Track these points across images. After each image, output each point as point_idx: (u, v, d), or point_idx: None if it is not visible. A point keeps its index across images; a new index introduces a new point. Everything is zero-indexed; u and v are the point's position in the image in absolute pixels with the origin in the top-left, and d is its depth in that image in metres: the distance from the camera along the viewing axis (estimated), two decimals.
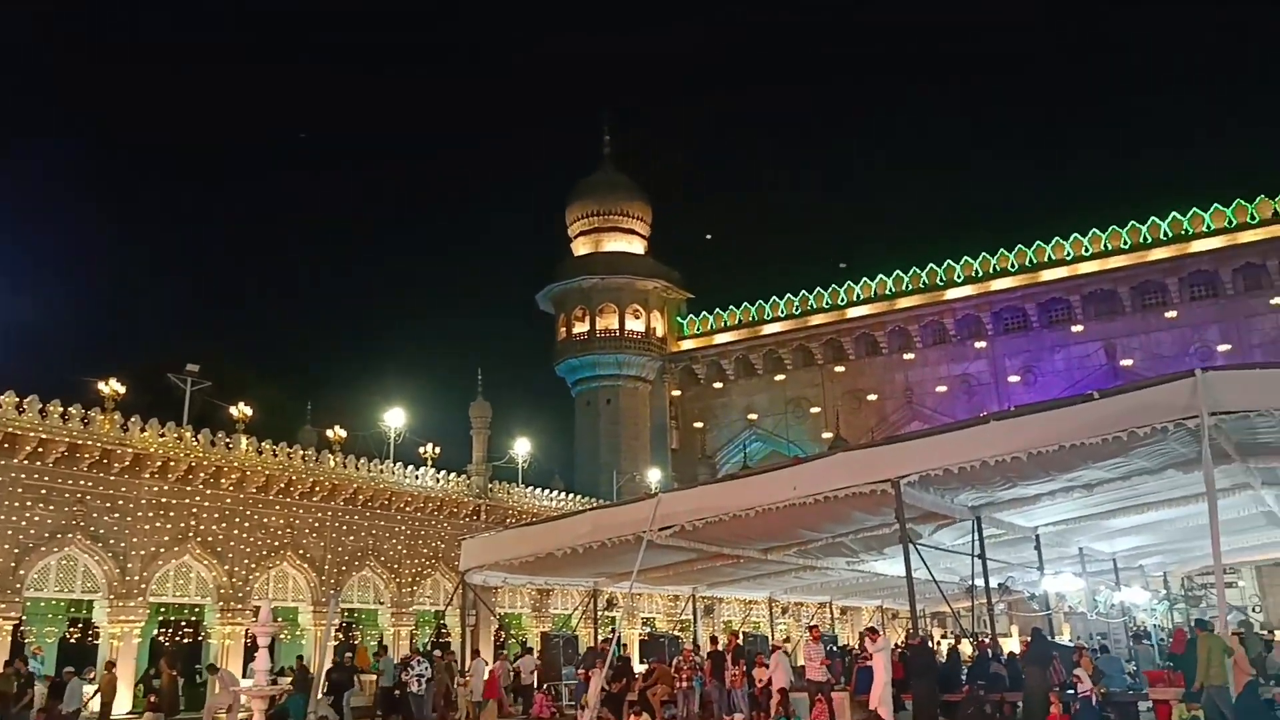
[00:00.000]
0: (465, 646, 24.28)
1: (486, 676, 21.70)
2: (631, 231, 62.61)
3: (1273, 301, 46.56)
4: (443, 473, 33.56)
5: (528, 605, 34.33)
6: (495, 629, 31.93)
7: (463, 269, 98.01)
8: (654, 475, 50.29)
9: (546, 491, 38.16)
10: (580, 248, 62.93)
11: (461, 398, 38.14)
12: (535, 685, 22.61)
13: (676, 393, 60.93)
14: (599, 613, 28.13)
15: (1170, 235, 49.38)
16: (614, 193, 62.53)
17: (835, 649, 24.54)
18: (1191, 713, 11.86)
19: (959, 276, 54.19)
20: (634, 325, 59.89)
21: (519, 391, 70.46)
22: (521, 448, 37.97)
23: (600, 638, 25.83)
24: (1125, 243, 50.34)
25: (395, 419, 33.71)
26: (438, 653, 23.31)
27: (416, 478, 32.29)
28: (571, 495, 40.21)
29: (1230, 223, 48.19)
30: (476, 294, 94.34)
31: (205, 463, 26.21)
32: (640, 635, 34.83)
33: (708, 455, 58.12)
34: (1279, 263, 46.66)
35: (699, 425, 59.80)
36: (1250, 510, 21.75)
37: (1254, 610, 41.45)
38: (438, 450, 34.04)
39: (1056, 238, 52.09)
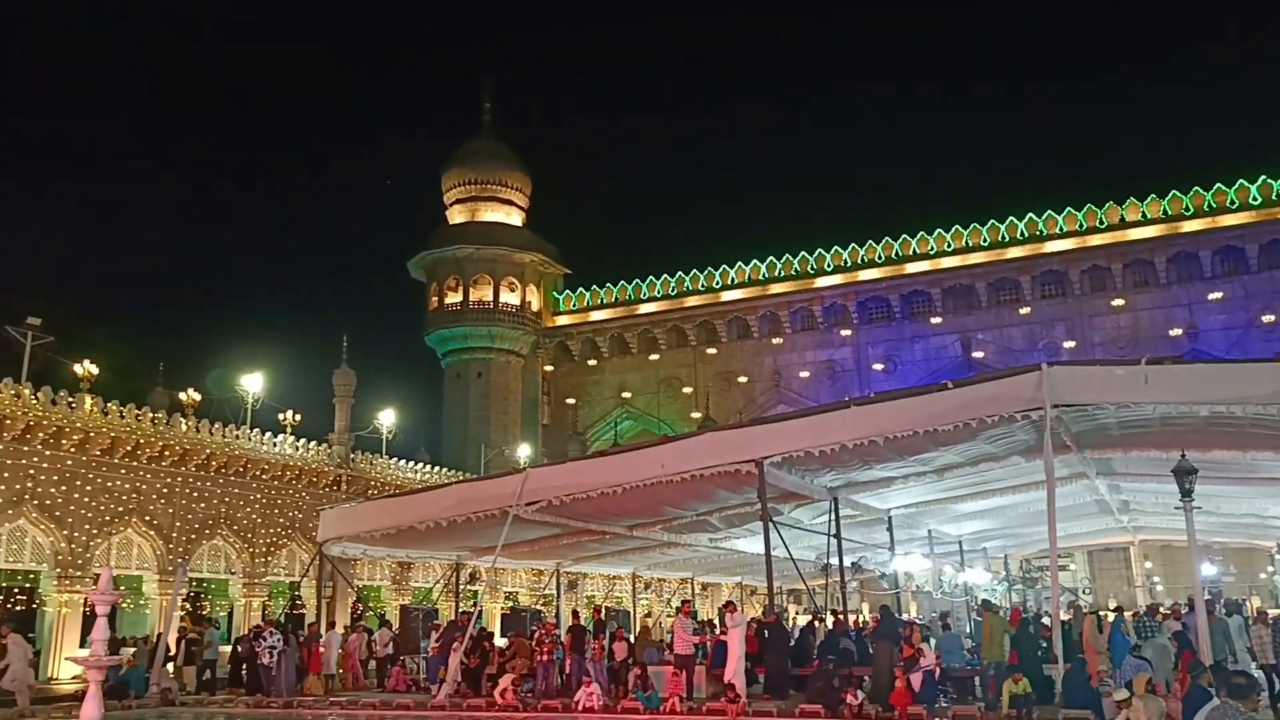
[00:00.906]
0: (321, 618, 23.71)
1: (340, 649, 21.23)
2: (510, 203, 61.82)
3: (1114, 302, 49.52)
4: (303, 441, 32.56)
5: (387, 577, 33.74)
6: (353, 601, 31.28)
7: (334, 233, 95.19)
8: (524, 450, 50.07)
9: (411, 464, 37.51)
10: (456, 216, 61.79)
11: (327, 365, 37.09)
12: (392, 658, 22.25)
13: (549, 368, 60.72)
14: (461, 586, 27.87)
15: (1026, 235, 51.87)
16: (493, 162, 61.56)
17: (698, 624, 25.00)
18: (1019, 685, 12.56)
19: (829, 266, 55.65)
20: (509, 298, 59.27)
21: (387, 360, 69.03)
22: (387, 418, 37.17)
23: (461, 611, 25.64)
24: (985, 240, 52.61)
25: (254, 383, 32.47)
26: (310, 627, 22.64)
27: (274, 445, 31.22)
28: (438, 468, 39.65)
29: (1081, 226, 50.94)
30: (347, 259, 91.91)
31: (44, 422, 24.69)
32: (503, 609, 34.71)
33: (579, 432, 58.23)
34: (1122, 266, 49.62)
35: (571, 401, 59.79)
36: (1085, 499, 23.15)
37: (1084, 592, 44.27)
38: (298, 418, 33.01)
39: (921, 232, 54.10)
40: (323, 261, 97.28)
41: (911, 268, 53.72)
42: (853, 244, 55.38)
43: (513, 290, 59.37)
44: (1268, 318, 46.25)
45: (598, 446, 55.56)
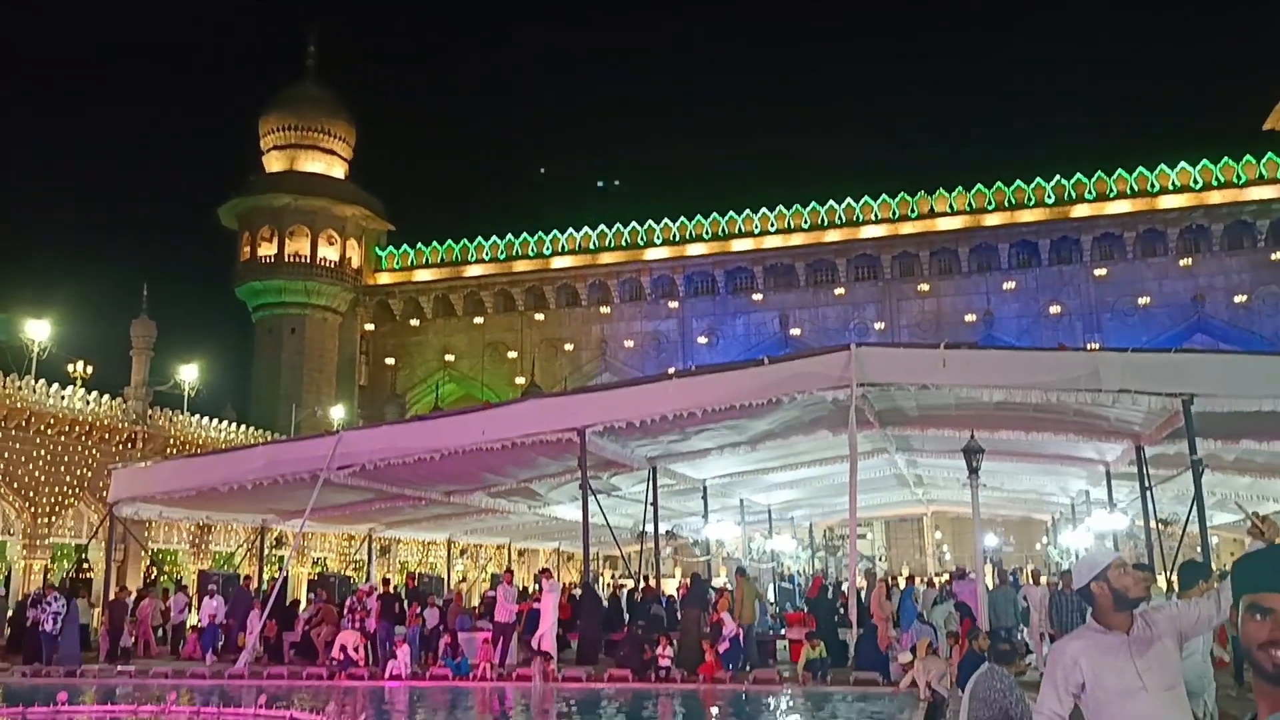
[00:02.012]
0: (108, 583, 22.28)
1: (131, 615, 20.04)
2: (332, 152, 59.20)
3: (921, 288, 52.43)
4: (95, 394, 30.34)
5: (185, 541, 32.03)
6: (146, 565, 29.54)
7: (138, 173, 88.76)
8: (338, 412, 48.44)
9: (216, 422, 35.60)
10: (274, 164, 58.72)
11: (125, 314, 34.64)
12: (186, 625, 21.19)
13: (369, 327, 58.88)
14: (267, 551, 26.79)
15: (843, 220, 54.09)
16: (316, 108, 58.67)
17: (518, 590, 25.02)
18: (816, 650, 13.23)
19: (659, 239, 56.33)
20: (328, 252, 56.93)
21: (194, 312, 65.22)
22: (189, 373, 35.11)
23: (267, 577, 24.66)
24: (805, 223, 54.52)
25: (40, 330, 29.93)
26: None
27: (63, 398, 28.96)
28: (245, 427, 37.82)
29: (893, 214, 53.56)
30: (153, 202, 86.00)
31: None
32: (310, 575, 33.61)
33: (398, 394, 56.87)
34: (929, 254, 52.54)
35: (391, 362, 58.24)
36: (885, 472, 24.47)
37: (880, 560, 46.97)
38: (90, 369, 30.72)
39: (747, 211, 55.46)
40: (126, 203, 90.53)
41: (736, 245, 55.09)
42: (681, 218, 56.24)
43: (332, 244, 57.05)
44: (1055, 309, 50.15)
45: (417, 410, 54.43)
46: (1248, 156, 50.04)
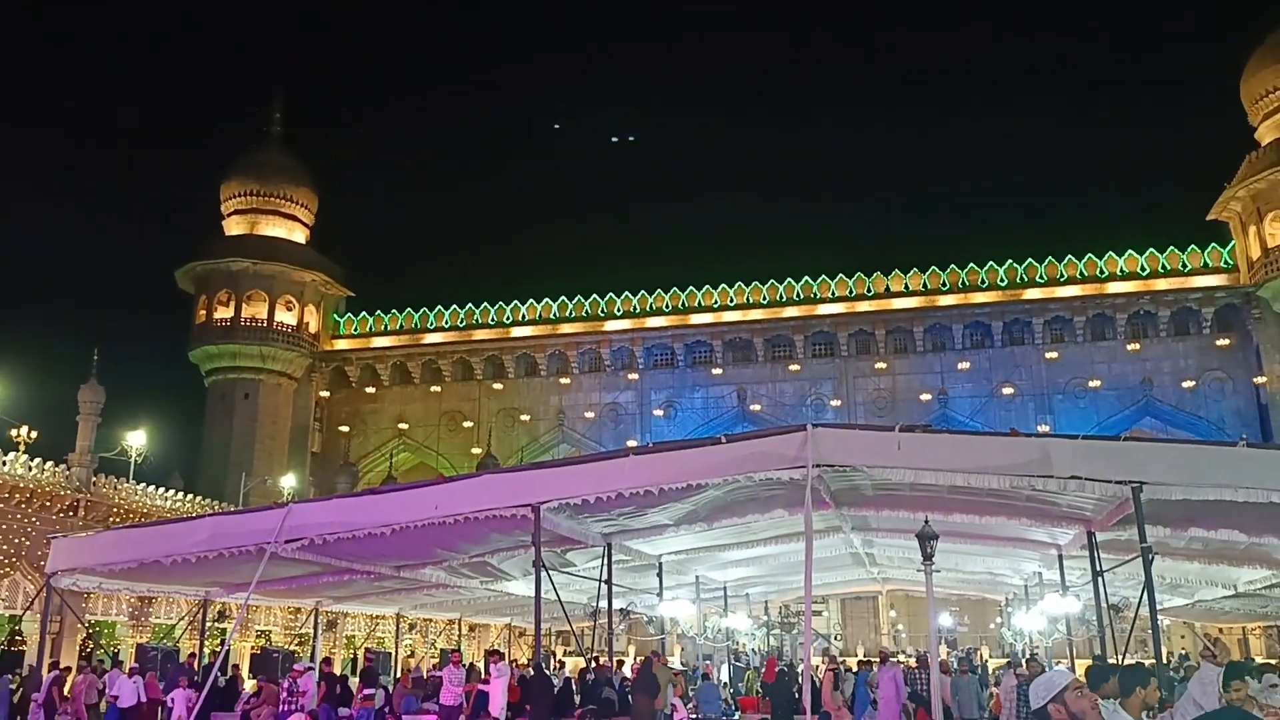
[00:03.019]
0: (43, 657, 21.40)
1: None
2: (293, 218, 59.15)
3: (877, 365, 53.05)
4: (37, 460, 29.55)
5: (124, 613, 30.99)
6: (83, 638, 28.49)
7: (93, 235, 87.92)
8: (288, 481, 47.55)
9: (163, 490, 34.77)
10: (234, 228, 58.49)
11: (74, 378, 33.94)
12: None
13: (324, 393, 58.23)
14: (209, 624, 25.96)
15: (801, 297, 54.84)
16: (279, 174, 58.79)
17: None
18: None
19: (619, 310, 56.64)
20: (285, 317, 56.48)
21: (144, 377, 64.01)
22: (137, 439, 34.36)
23: (207, 651, 23.86)
24: (764, 298, 55.19)
25: None
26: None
27: (3, 464, 28.16)
28: (192, 496, 36.96)
29: (850, 293, 54.41)
30: (106, 264, 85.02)
31: None
32: (253, 649, 32.61)
33: (351, 462, 56.01)
34: (885, 332, 53.29)
35: (345, 430, 57.47)
36: (840, 550, 24.39)
37: (835, 638, 46.58)
38: (34, 434, 29.95)
39: (706, 285, 56.08)
40: (79, 265, 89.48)
41: (696, 319, 55.56)
42: (642, 291, 56.68)
43: (290, 309, 56.62)
44: (1008, 389, 50.92)
45: (370, 478, 53.68)
46: (1192, 245, 51.69)
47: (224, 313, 55.86)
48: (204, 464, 53.47)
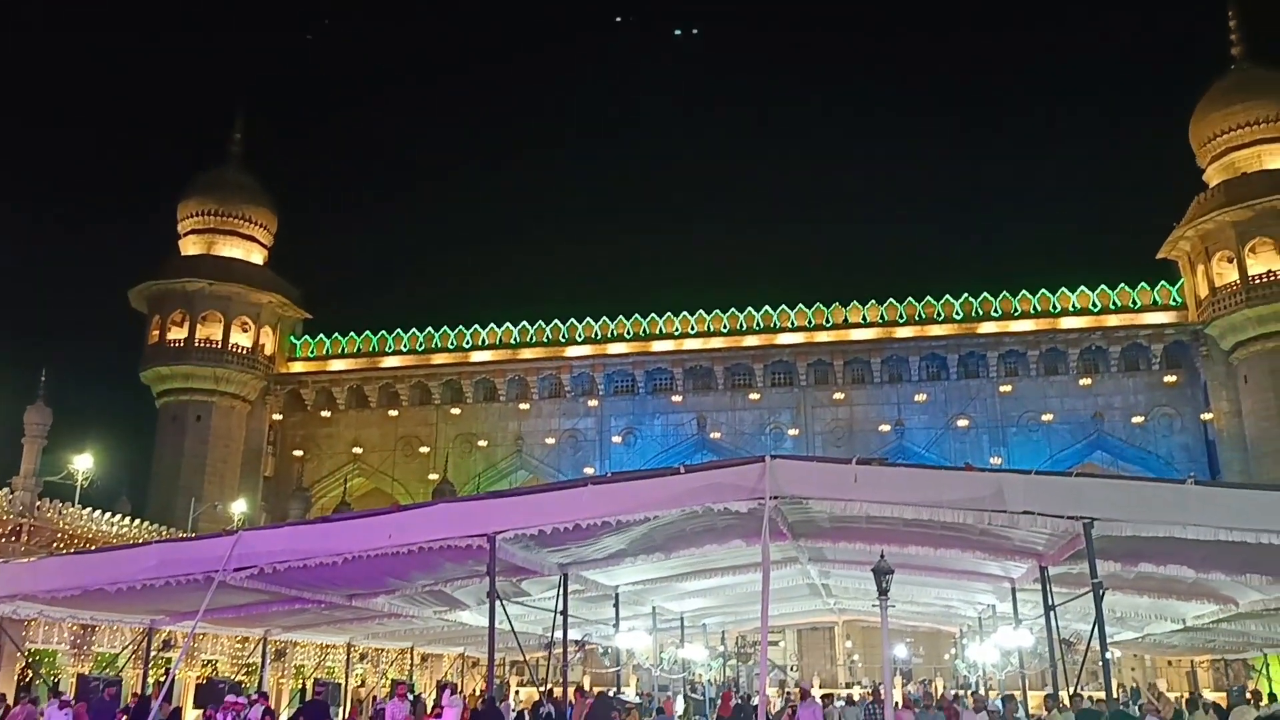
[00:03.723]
0: None
1: None
2: (251, 239, 58.54)
3: (835, 396, 53.43)
4: None
5: (66, 641, 30.13)
6: (21, 668, 27.66)
7: (44, 251, 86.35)
8: (239, 506, 46.74)
9: (109, 515, 33.98)
10: (190, 247, 57.76)
11: (21, 399, 33.14)
12: None
13: (279, 417, 57.44)
14: (153, 653, 25.34)
15: (761, 326, 55.20)
16: (238, 194, 58.22)
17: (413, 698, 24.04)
18: None
19: (580, 336, 56.60)
20: (240, 339, 55.73)
21: (94, 398, 62.81)
22: (83, 463, 33.60)
23: (152, 681, 23.28)
24: (725, 327, 55.48)
25: None
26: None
27: None
28: (140, 521, 36.16)
29: (809, 323, 54.87)
30: (56, 282, 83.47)
31: None
32: (198, 678, 31.85)
33: (304, 487, 55.19)
34: (843, 363, 53.73)
35: (299, 454, 56.68)
36: (797, 581, 24.44)
37: (792, 669, 46.58)
38: None
39: (668, 312, 56.26)
40: (28, 283, 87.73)
41: (657, 346, 55.65)
42: (604, 317, 56.70)
43: (245, 331, 55.90)
44: (962, 422, 51.53)
45: (324, 504, 52.95)
46: (1143, 283, 52.81)
47: (178, 333, 55.00)
48: (153, 488, 52.41)
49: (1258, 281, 47.88)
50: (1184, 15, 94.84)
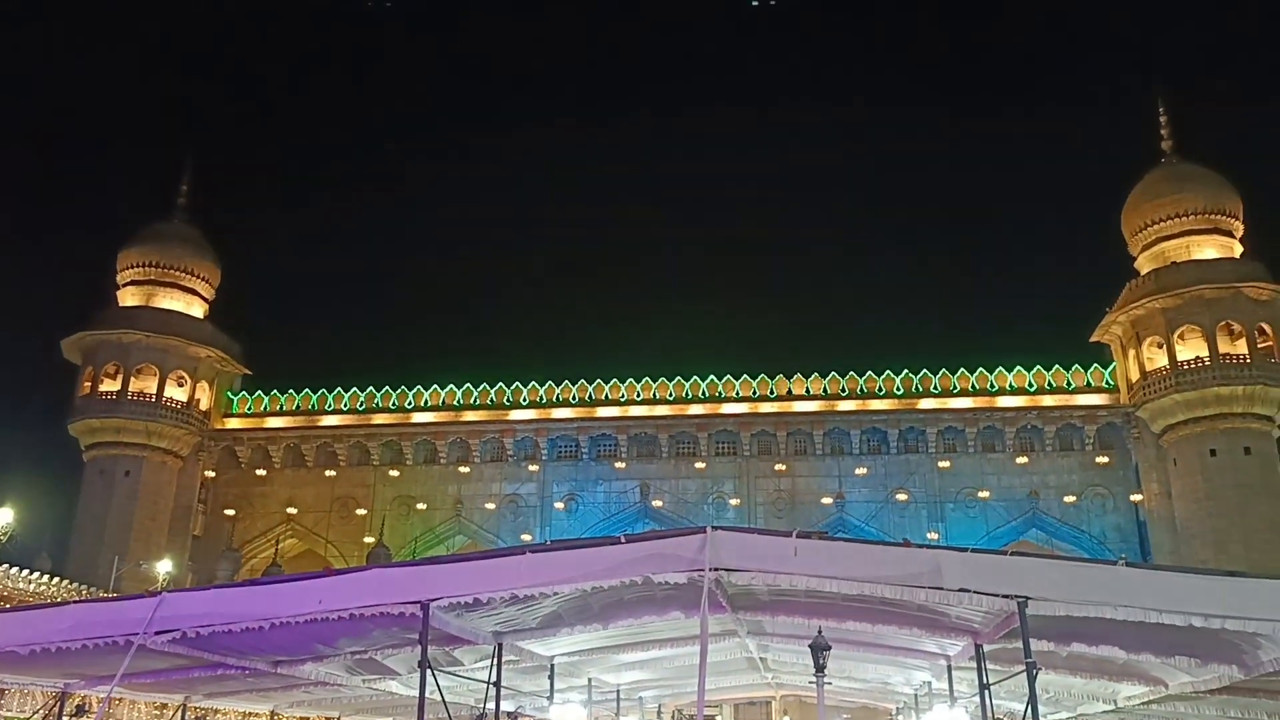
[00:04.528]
0: None
1: None
2: (193, 291, 57.69)
3: (777, 467, 53.67)
4: None
5: None
6: None
7: None
8: (165, 566, 45.25)
9: (26, 572, 32.60)
10: (129, 298, 56.72)
11: None
12: None
13: (211, 474, 56.06)
14: (66, 719, 24.18)
15: (706, 395, 55.48)
16: (181, 246, 57.55)
17: None
18: None
19: (524, 399, 56.32)
20: (176, 393, 54.54)
21: (17, 449, 60.71)
22: (3, 516, 32.33)
23: None
24: (670, 394, 55.64)
25: None
26: None
27: None
28: (59, 579, 34.75)
29: (754, 393, 55.28)
30: None
31: None
32: None
33: (234, 547, 53.70)
34: (786, 434, 54.08)
35: (231, 512, 55.24)
36: (736, 655, 24.16)
37: None
38: None
39: (614, 379, 56.27)
40: None
41: (602, 412, 55.56)
42: (549, 381, 56.55)
43: (181, 385, 54.75)
44: (902, 496, 52.00)
45: (254, 564, 51.52)
46: (1077, 365, 54.21)
47: (111, 385, 53.69)
48: (76, 544, 50.62)
49: (1186, 367, 49.41)
50: (1116, 110, 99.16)
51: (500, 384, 56.75)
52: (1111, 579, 11.69)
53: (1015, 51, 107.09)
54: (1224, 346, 49.43)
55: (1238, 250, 52.78)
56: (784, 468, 53.67)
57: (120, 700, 29.08)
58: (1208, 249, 52.31)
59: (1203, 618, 11.06)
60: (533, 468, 55.08)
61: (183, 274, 57.09)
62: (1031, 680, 12.19)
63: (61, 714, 23.82)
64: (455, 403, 56.62)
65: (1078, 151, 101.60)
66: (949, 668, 19.25)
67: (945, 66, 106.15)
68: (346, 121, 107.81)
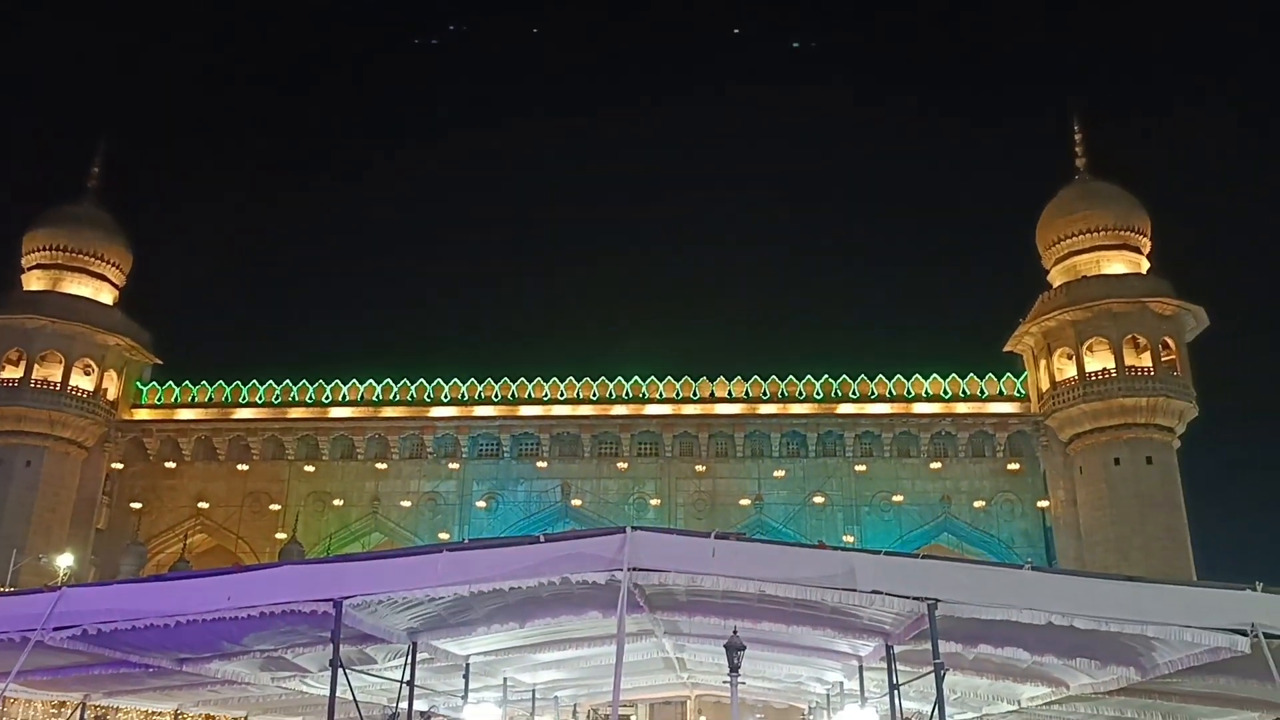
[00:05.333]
0: None
1: None
2: (102, 277, 55.75)
3: (698, 468, 54.04)
4: None
5: None
6: None
7: None
8: (66, 560, 43.69)
9: None
10: (34, 282, 54.59)
11: None
12: None
13: (118, 465, 54.23)
14: None
15: (630, 396, 55.56)
16: (90, 230, 55.51)
17: None
18: None
19: (446, 397, 55.68)
20: (81, 382, 52.66)
21: None
22: None
23: None
24: (594, 394, 55.58)
25: None
26: None
27: None
28: None
29: (676, 395, 55.53)
30: None
31: None
32: None
33: (140, 541, 52.03)
34: (708, 436, 54.47)
35: (137, 506, 53.51)
36: (653, 655, 24.26)
37: None
38: None
39: (538, 378, 56.01)
40: None
41: (525, 410, 55.23)
42: (471, 379, 56.02)
43: (88, 373, 52.89)
44: (819, 499, 52.80)
45: (161, 559, 50.02)
46: (990, 374, 55.66)
47: (13, 372, 51.62)
48: None
49: (1093, 378, 51.14)
50: (1034, 122, 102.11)
51: (421, 380, 56.08)
52: (1017, 582, 12.04)
53: (938, 61, 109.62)
54: (1130, 359, 51.28)
55: (1145, 266, 54.82)
56: (705, 469, 54.06)
57: (15, 699, 27.97)
58: (1117, 264, 54.22)
59: (1103, 620, 11.45)
60: (453, 466, 54.51)
61: (92, 259, 55.11)
62: (939, 680, 12.49)
63: None
64: (374, 398, 55.74)
65: (996, 163, 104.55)
66: (860, 668, 19.60)
67: (866, 74, 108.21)
68: (267, 110, 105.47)
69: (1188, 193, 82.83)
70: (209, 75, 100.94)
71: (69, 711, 28.69)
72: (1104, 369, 51.32)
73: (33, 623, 14.55)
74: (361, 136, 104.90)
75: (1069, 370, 52.45)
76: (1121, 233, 54.52)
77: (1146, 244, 55.19)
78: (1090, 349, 52.07)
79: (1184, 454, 51.91)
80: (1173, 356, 51.90)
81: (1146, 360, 51.32)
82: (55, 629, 14.63)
